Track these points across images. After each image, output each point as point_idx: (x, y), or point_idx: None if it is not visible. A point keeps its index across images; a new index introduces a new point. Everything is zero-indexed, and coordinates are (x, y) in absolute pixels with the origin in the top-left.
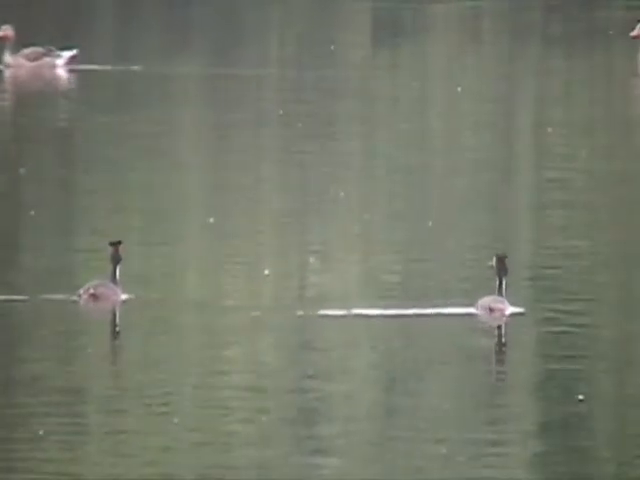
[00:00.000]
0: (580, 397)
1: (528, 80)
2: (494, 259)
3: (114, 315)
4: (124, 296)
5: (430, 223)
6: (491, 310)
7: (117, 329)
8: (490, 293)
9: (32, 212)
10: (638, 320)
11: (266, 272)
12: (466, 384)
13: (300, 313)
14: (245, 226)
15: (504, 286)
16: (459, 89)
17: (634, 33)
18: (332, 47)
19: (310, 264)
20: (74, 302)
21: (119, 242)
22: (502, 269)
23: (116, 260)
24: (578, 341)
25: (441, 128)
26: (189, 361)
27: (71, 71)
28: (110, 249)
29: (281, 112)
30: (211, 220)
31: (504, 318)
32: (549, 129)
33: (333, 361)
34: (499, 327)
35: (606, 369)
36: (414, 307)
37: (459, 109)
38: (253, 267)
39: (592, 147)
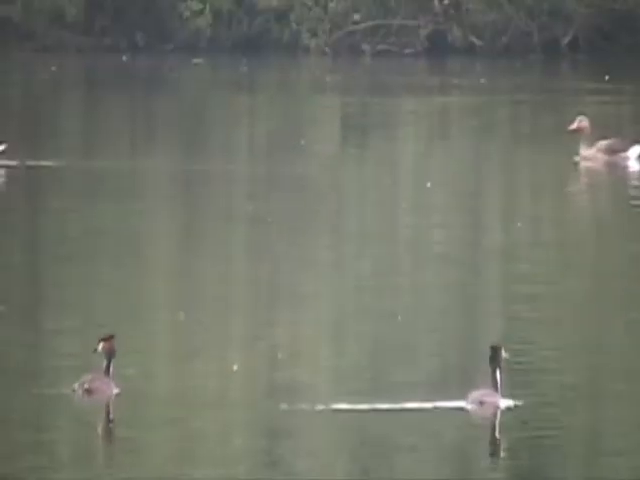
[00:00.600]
0: None
1: (497, 175)
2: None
3: (107, 409)
4: (117, 390)
5: (399, 317)
6: (482, 403)
7: (110, 424)
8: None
9: (1, 307)
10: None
11: (235, 367)
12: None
13: (269, 408)
14: (215, 322)
15: (499, 378)
16: (429, 184)
17: (572, 127)
18: (302, 142)
19: (279, 359)
20: (68, 396)
21: (112, 336)
22: (497, 360)
23: (110, 354)
24: (559, 442)
25: (411, 223)
26: (161, 460)
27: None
28: (103, 343)
29: (251, 208)
30: (181, 316)
31: (497, 412)
32: (519, 224)
33: (302, 456)
34: (487, 421)
35: (577, 464)
36: (393, 401)
37: (429, 204)
38: (222, 362)
39: (561, 242)
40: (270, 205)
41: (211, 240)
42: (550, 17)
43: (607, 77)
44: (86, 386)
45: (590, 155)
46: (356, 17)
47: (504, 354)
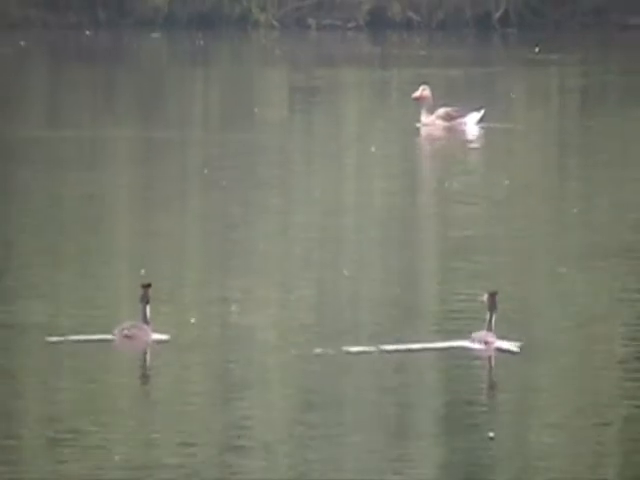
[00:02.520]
0: (491, 435)
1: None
2: (485, 295)
3: (144, 356)
4: (155, 336)
5: (345, 272)
6: (486, 343)
7: (147, 370)
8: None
9: None
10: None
11: (192, 320)
12: (378, 418)
13: (228, 355)
14: (172, 278)
15: (493, 321)
16: (373, 149)
17: (415, 95)
18: (255, 109)
19: (233, 312)
20: (108, 342)
21: (149, 285)
22: (493, 305)
23: (146, 301)
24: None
25: (356, 185)
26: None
27: None
28: (141, 290)
29: (206, 171)
30: (142, 271)
31: (494, 351)
32: (445, 183)
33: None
34: (489, 358)
35: (523, 407)
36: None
37: (374, 167)
38: (180, 315)
39: (490, 203)
40: (224, 169)
41: (169, 202)
42: None
43: (537, 49)
44: (125, 332)
45: (430, 121)
46: None
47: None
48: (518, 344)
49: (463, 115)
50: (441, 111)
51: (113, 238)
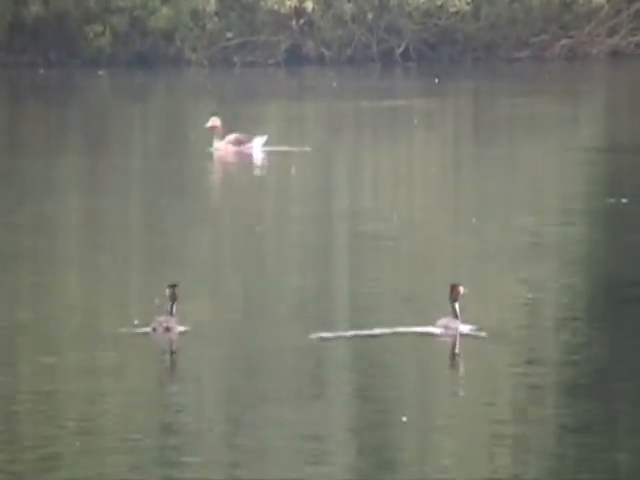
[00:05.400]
0: (404, 419)
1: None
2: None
3: (172, 343)
4: (181, 328)
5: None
6: (447, 328)
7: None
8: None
9: None
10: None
11: (135, 322)
12: (293, 400)
13: (169, 342)
14: (115, 280)
15: (458, 309)
16: (293, 170)
17: (208, 125)
18: (192, 137)
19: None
20: (148, 334)
21: (175, 285)
22: (456, 295)
23: (173, 299)
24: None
25: (274, 202)
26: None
27: None
28: (168, 290)
29: (147, 192)
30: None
31: (457, 335)
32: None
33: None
34: (451, 341)
35: (433, 394)
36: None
37: (292, 187)
38: (125, 319)
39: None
40: (163, 189)
41: (114, 217)
42: (386, 32)
43: (437, 80)
44: (165, 325)
45: (221, 147)
46: (228, 35)
47: (462, 290)
48: (478, 329)
49: (249, 140)
50: (231, 137)
51: (69, 249)
